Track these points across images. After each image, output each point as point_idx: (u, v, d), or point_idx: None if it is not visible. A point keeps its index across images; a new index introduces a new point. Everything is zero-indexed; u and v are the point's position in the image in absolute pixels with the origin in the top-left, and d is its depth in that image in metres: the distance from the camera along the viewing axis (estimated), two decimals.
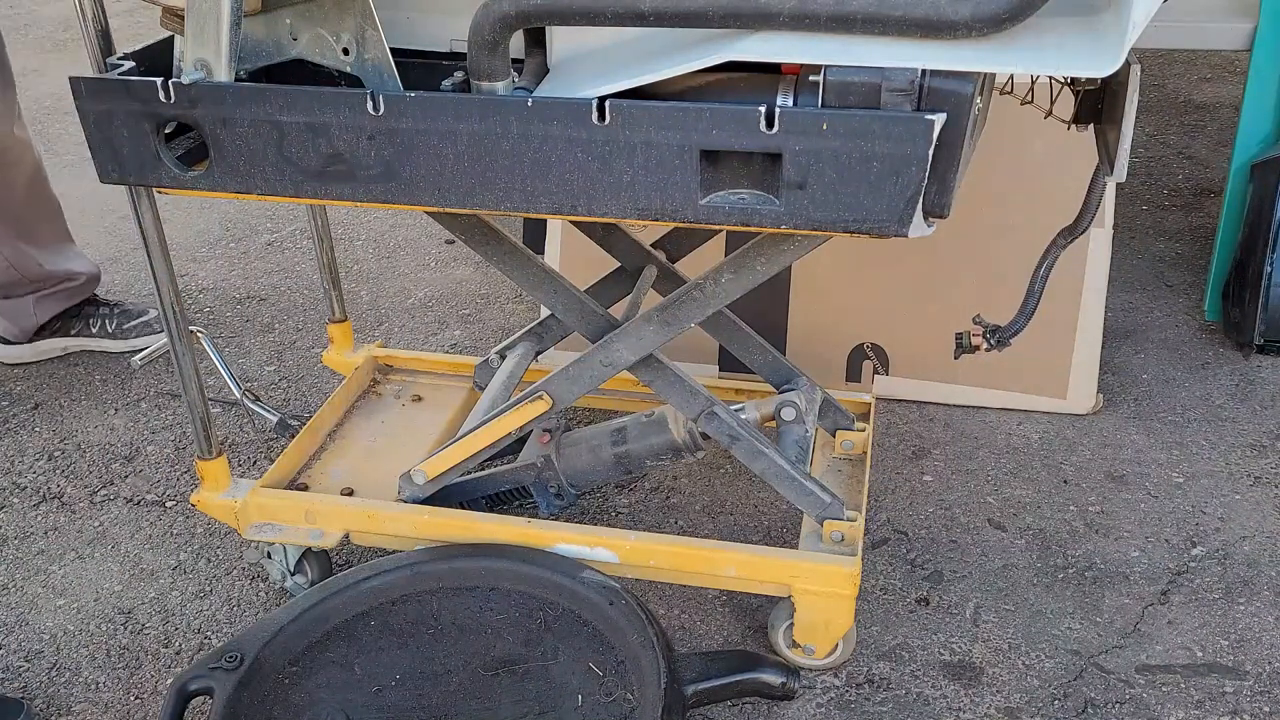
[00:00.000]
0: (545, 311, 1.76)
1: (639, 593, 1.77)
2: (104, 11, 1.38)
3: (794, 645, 1.60)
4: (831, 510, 1.57)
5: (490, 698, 1.44)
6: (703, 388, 1.55)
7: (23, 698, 1.58)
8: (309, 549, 1.71)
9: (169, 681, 1.61)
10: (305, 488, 1.78)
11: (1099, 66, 1.06)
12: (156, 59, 1.38)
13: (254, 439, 2.17)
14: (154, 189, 1.41)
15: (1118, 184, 1.72)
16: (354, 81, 1.31)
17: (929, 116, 1.09)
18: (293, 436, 1.85)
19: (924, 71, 1.09)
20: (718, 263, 1.45)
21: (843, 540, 1.57)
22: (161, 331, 1.55)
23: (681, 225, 1.24)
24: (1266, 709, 1.55)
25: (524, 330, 1.90)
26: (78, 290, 2.43)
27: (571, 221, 1.90)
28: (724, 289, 1.44)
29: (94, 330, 2.45)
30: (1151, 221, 2.92)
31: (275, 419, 1.95)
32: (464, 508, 1.69)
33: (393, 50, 1.28)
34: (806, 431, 1.68)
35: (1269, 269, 2.21)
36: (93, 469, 2.11)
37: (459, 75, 1.33)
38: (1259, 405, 2.20)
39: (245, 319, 2.61)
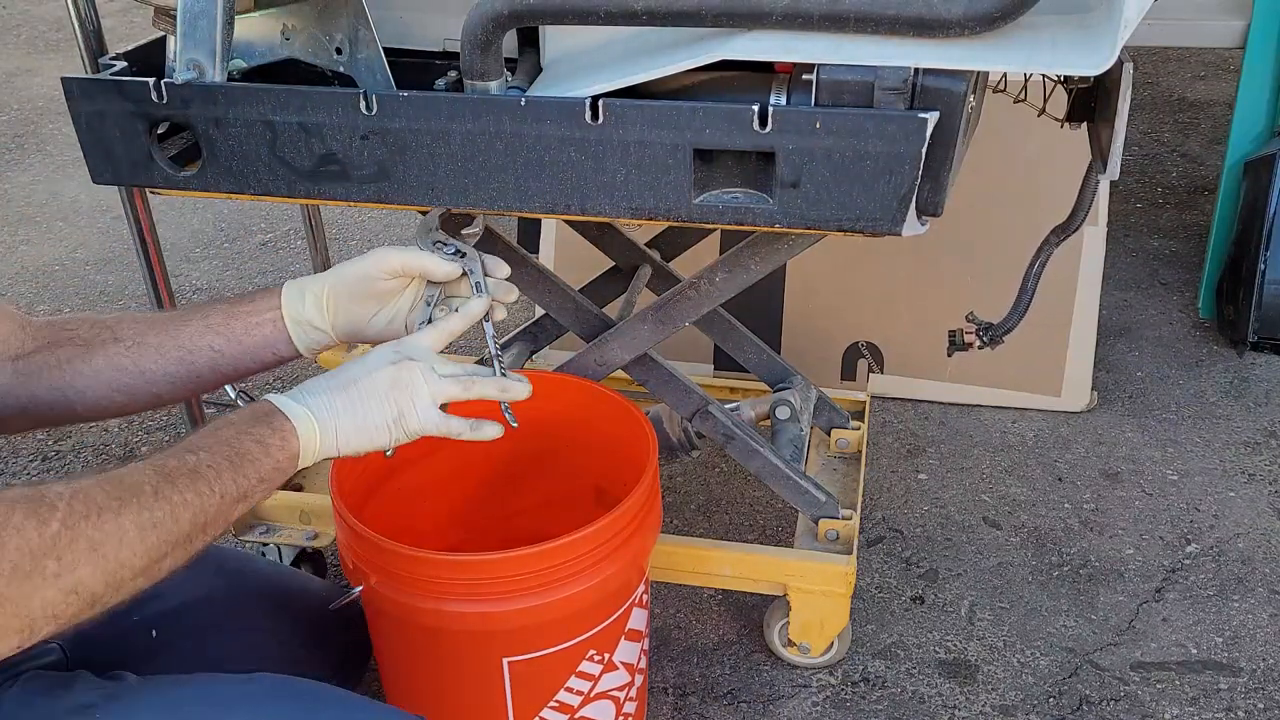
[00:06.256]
0: (540, 311, 1.75)
1: None
2: (96, 11, 1.37)
3: (790, 644, 1.60)
4: (826, 509, 1.57)
5: None
6: (698, 386, 1.55)
7: None
8: (303, 549, 1.71)
9: None
10: (300, 488, 1.78)
11: (1091, 64, 1.06)
12: (149, 59, 1.37)
13: None
14: (147, 189, 1.41)
15: (1111, 182, 1.72)
16: (347, 81, 1.31)
17: (922, 115, 1.09)
18: None
19: (917, 70, 1.09)
20: (712, 262, 1.45)
21: (838, 539, 1.57)
22: None
23: (675, 224, 1.24)
24: (1260, 705, 1.55)
25: (519, 330, 1.90)
26: None
27: (565, 221, 1.90)
28: (718, 288, 1.44)
29: None
30: (1145, 219, 2.92)
31: None
32: None
33: (385, 49, 1.28)
34: (801, 430, 1.68)
35: (1263, 266, 2.21)
36: (87, 470, 2.10)
37: (452, 75, 1.33)
38: (1253, 402, 2.20)
39: None
